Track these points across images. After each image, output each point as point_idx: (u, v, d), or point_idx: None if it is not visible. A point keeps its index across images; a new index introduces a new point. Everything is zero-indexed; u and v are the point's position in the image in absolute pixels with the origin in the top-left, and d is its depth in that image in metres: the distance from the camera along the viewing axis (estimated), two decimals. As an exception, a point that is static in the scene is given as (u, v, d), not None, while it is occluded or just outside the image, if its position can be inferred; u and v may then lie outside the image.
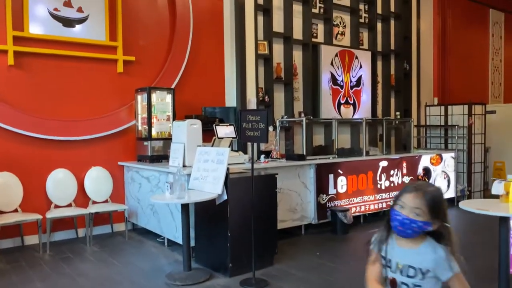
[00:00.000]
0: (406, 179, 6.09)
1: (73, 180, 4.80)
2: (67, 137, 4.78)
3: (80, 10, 4.84)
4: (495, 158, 8.08)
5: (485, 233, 4.62)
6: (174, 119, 5.05)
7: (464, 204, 3.07)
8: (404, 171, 6.06)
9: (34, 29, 4.61)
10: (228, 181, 3.57)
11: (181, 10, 5.48)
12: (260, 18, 6.10)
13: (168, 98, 5.10)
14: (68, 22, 4.80)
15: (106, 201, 4.99)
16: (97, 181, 4.96)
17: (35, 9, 4.61)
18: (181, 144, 4.40)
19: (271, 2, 6.08)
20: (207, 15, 5.76)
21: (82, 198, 4.87)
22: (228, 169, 3.59)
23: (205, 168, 3.74)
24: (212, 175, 3.64)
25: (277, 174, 3.97)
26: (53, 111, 4.75)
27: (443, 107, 7.60)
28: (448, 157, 6.72)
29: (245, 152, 5.31)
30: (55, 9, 4.72)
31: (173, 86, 5.33)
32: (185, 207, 3.62)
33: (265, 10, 6.10)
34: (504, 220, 2.98)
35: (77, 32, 4.85)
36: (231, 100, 5.96)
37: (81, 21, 4.87)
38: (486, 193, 7.55)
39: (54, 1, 4.70)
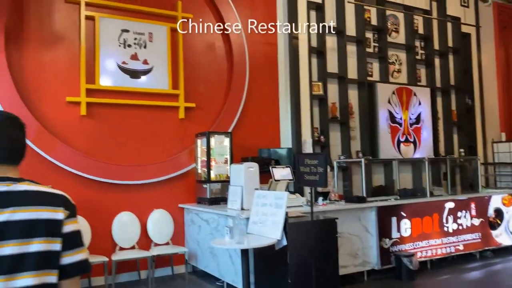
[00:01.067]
0: (476, 222, 5.69)
1: (137, 222, 4.98)
2: (132, 181, 5.02)
3: (145, 62, 5.20)
4: None
5: None
6: (231, 161, 5.15)
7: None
8: (473, 212, 5.68)
9: (104, 81, 5.00)
10: (287, 226, 3.54)
11: (238, 57, 5.71)
12: (314, 60, 6.20)
13: (226, 141, 5.23)
14: (135, 74, 5.15)
15: (167, 243, 5.11)
16: (159, 223, 5.11)
17: (105, 63, 5.01)
18: (239, 187, 4.45)
19: (324, 44, 6.17)
20: (262, 60, 5.95)
21: (144, 240, 5.02)
22: (287, 213, 3.57)
23: (263, 212, 3.74)
24: (271, 219, 3.63)
25: (337, 218, 3.89)
26: (119, 156, 5.03)
27: (512, 143, 7.14)
28: (522, 197, 6.22)
29: (302, 194, 5.27)
30: (123, 62, 5.10)
31: (230, 130, 5.48)
32: (244, 252, 3.61)
33: (319, 52, 6.19)
34: None
35: (143, 83, 5.19)
36: (286, 141, 6.00)
37: (146, 72, 5.21)
38: None
39: (123, 55, 5.09)
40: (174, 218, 5.20)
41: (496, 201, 5.95)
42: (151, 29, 5.25)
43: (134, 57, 5.15)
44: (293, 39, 5.94)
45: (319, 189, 5.47)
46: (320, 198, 4.96)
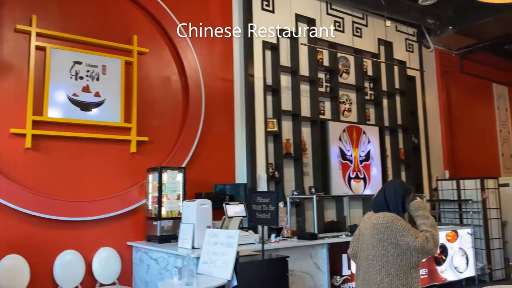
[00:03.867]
0: (423, 257, 5.87)
1: (81, 261, 4.72)
2: (78, 218, 4.79)
3: (97, 94, 5.09)
4: (514, 233, 7.82)
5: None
6: (184, 197, 5.06)
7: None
8: (420, 248, 5.85)
9: (53, 113, 4.82)
10: (238, 266, 3.49)
11: (194, 92, 5.73)
12: (269, 98, 6.34)
13: (179, 176, 5.15)
14: (86, 106, 5.02)
15: (114, 283, 4.86)
16: (106, 262, 4.86)
17: (55, 95, 4.85)
18: (191, 225, 4.37)
19: (279, 82, 6.35)
20: (218, 96, 6.00)
21: (89, 280, 4.75)
22: (238, 252, 3.53)
23: (214, 251, 3.68)
24: (221, 259, 3.57)
25: (288, 257, 3.88)
26: (66, 191, 4.80)
27: (455, 181, 7.53)
28: (465, 233, 6.52)
29: (256, 231, 5.24)
30: (74, 94, 4.96)
31: (184, 165, 5.42)
32: (193, 294, 3.50)
33: (274, 90, 6.35)
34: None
35: (94, 115, 5.06)
36: (241, 176, 6.01)
37: (97, 104, 5.10)
38: (508, 270, 7.21)
39: (74, 87, 4.96)
40: (121, 257, 4.97)
41: (440, 237, 6.18)
42: (104, 61, 5.18)
43: (86, 89, 5.03)
44: (249, 77, 6.07)
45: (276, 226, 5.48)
46: (273, 235, 4.96)
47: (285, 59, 6.55)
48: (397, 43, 8.03)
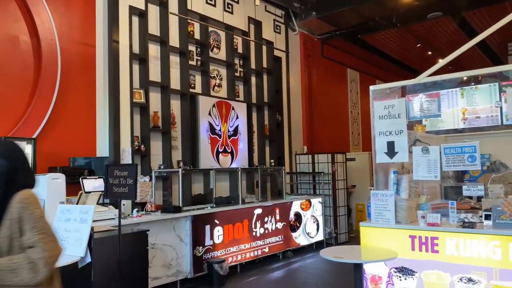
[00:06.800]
0: (280, 225, 6.38)
1: None
2: None
3: None
4: (357, 201, 8.99)
5: (349, 274, 5.02)
6: (35, 172, 4.58)
7: (324, 253, 3.31)
8: (278, 217, 6.35)
9: None
10: (93, 242, 3.33)
11: (48, 55, 5.15)
12: (136, 67, 6.05)
13: (28, 148, 4.63)
14: None
15: None
16: None
17: None
18: (41, 200, 3.98)
19: (147, 52, 6.09)
20: (78, 61, 5.50)
21: None
22: (92, 228, 3.36)
23: (66, 228, 3.44)
24: (74, 236, 3.36)
25: (148, 230, 3.84)
26: None
27: (311, 156, 8.28)
28: (316, 202, 7.27)
29: (117, 207, 5.04)
30: None
31: (34, 136, 4.89)
32: (41, 274, 3.23)
33: (141, 59, 6.07)
34: (357, 265, 3.29)
35: None
36: (103, 149, 5.67)
37: None
38: (351, 233, 8.29)
39: None
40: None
41: (296, 206, 6.79)
42: None
43: None
44: (113, 43, 5.69)
45: (137, 200, 5.34)
46: (135, 210, 4.84)
47: (154, 28, 6.29)
48: (266, 23, 8.34)
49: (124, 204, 4.92)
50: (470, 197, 3.99)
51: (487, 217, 3.24)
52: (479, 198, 3.83)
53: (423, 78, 3.68)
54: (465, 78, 4.72)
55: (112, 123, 5.62)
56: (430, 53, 11.76)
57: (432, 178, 3.47)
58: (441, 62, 3.56)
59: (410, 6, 8.30)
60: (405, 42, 11.06)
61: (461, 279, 3.18)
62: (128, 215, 4.75)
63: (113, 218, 4.42)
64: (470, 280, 3.15)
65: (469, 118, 4.66)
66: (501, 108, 4.42)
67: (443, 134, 4.77)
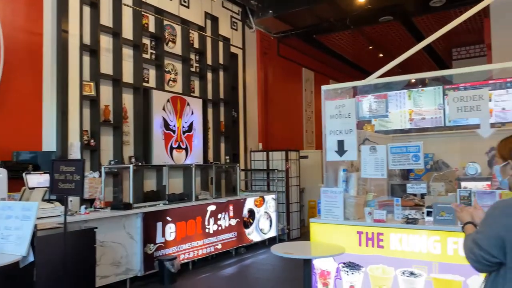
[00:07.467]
0: (233, 222, 6.40)
1: None
2: None
3: None
4: (309, 198, 9.18)
5: (300, 270, 5.13)
6: (-28, 166, 4.31)
7: (275, 249, 3.36)
8: (231, 213, 6.36)
9: None
10: (36, 240, 3.18)
11: (-11, 43, 4.85)
12: (87, 58, 5.83)
13: (-34, 141, 4.35)
14: None
15: None
16: None
17: None
18: (-21, 197, 3.76)
19: (98, 43, 5.88)
20: (23, 50, 5.21)
21: None
22: (36, 226, 3.21)
23: (6, 226, 3.25)
24: (15, 234, 3.19)
25: (96, 228, 3.72)
26: None
27: (265, 153, 8.36)
28: (270, 199, 7.35)
29: (64, 203, 4.84)
30: None
31: (-27, 128, 4.59)
32: (-23, 275, 3.05)
33: (92, 50, 5.86)
34: (307, 261, 3.36)
35: None
36: (50, 143, 5.42)
37: None
38: (303, 229, 8.46)
39: None
40: None
41: (250, 203, 6.84)
42: None
43: None
44: (62, 32, 5.44)
45: (86, 196, 5.16)
46: (83, 207, 4.67)
47: (106, 19, 6.08)
48: (222, 19, 8.30)
49: (71, 201, 4.74)
50: (415, 195, 4.19)
51: (429, 213, 3.42)
52: (423, 196, 4.04)
53: (372, 79, 3.81)
54: (413, 80, 4.95)
55: (60, 116, 5.39)
56: (381, 55, 12.20)
57: (379, 176, 3.61)
58: (389, 65, 3.70)
59: (363, 9, 8.56)
60: (358, 44, 11.41)
61: (403, 273, 3.34)
62: (76, 212, 4.58)
63: (59, 215, 4.24)
64: (412, 273, 3.31)
65: (415, 119, 4.90)
66: (444, 110, 4.69)
67: (391, 134, 4.99)
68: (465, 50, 11.64)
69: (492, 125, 3.58)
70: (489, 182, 3.86)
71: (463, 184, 4.00)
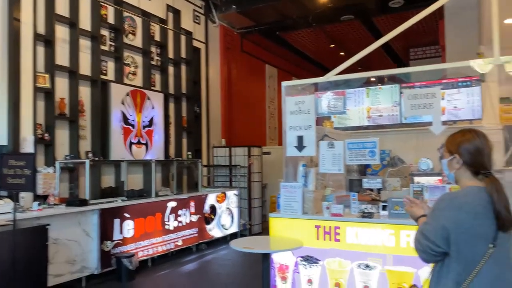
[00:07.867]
0: (194, 218, 6.35)
1: None
2: None
3: None
4: (271, 193, 9.24)
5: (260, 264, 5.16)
6: None
7: (234, 244, 3.36)
8: (193, 210, 6.31)
9: None
10: (-18, 238, 3.02)
11: None
12: (41, 49, 5.58)
13: None
14: None
15: None
16: None
17: None
18: None
19: (54, 33, 5.64)
20: (-30, 38, 4.93)
21: None
22: (-18, 223, 3.05)
23: (-51, 224, 3.08)
24: (-41, 232, 3.02)
25: (48, 225, 3.58)
26: None
27: (228, 149, 8.34)
28: (232, 194, 7.34)
29: (15, 199, 4.62)
30: None
31: None
32: None
33: (47, 41, 5.62)
34: (265, 255, 3.39)
35: None
36: (0, 137, 5.15)
37: None
38: (264, 225, 8.52)
39: None
40: None
41: (211, 199, 6.80)
42: None
43: None
44: (14, 20, 5.17)
45: (40, 193, 4.95)
46: (36, 203, 4.48)
47: (62, 8, 5.84)
48: (185, 12, 8.18)
49: (23, 197, 4.54)
50: (372, 190, 4.31)
51: (384, 207, 3.52)
52: (379, 190, 4.16)
53: (331, 76, 3.87)
54: (372, 78, 5.08)
55: (11, 109, 5.13)
56: (342, 53, 12.45)
57: (336, 171, 3.68)
58: (348, 61, 3.77)
59: (326, 8, 8.69)
60: (320, 42, 11.58)
61: (359, 266, 3.43)
62: (28, 208, 4.39)
63: (9, 212, 4.05)
64: (367, 266, 3.40)
65: (373, 116, 5.03)
66: (400, 107, 4.84)
67: (350, 131, 5.10)
68: (421, 51, 12.07)
69: (444, 123, 3.72)
70: (440, 177, 4.02)
71: (416, 179, 4.14)
